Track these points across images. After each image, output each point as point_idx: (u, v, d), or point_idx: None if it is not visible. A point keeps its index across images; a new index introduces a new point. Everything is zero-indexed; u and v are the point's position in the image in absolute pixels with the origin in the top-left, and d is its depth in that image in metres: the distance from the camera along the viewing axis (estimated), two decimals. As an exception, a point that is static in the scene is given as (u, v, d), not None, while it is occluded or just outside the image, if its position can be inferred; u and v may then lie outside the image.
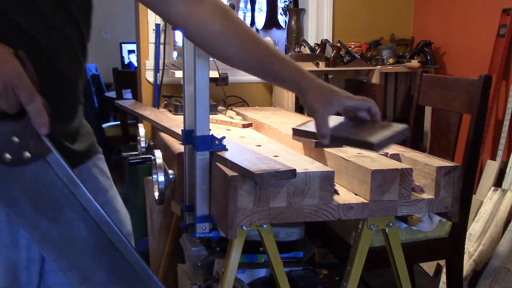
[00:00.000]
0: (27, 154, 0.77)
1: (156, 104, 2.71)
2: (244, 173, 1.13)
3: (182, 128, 1.31)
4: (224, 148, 1.26)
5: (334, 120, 1.09)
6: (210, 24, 1.00)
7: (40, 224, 0.80)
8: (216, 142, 1.26)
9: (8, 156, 0.76)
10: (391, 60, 3.09)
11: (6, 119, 0.75)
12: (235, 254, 1.30)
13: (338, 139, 1.08)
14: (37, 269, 0.92)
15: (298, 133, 1.27)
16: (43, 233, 0.81)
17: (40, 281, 0.95)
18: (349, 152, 1.36)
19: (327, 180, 1.19)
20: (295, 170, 1.13)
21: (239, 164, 1.14)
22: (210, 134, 1.26)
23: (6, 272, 0.89)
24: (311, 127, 1.14)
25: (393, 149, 1.43)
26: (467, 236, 2.29)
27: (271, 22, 3.72)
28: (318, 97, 1.03)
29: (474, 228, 2.45)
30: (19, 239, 0.88)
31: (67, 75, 0.94)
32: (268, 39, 3.34)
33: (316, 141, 1.41)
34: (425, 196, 1.27)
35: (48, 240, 0.81)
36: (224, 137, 1.28)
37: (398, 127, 1.08)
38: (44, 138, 0.77)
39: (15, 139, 0.75)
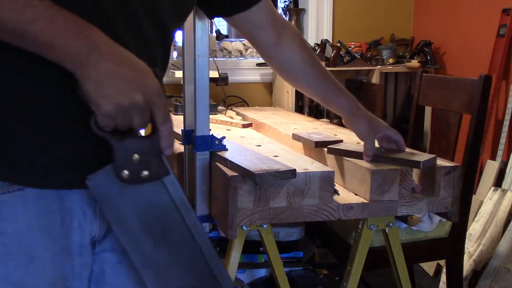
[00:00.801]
0: (146, 173, 0.76)
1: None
2: (244, 173, 1.13)
3: (182, 128, 1.31)
4: (224, 148, 1.26)
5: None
6: (293, 54, 1.22)
7: (144, 246, 0.79)
8: (216, 142, 1.26)
9: (126, 173, 0.75)
10: (391, 60, 3.09)
11: (130, 136, 0.74)
12: (235, 254, 1.30)
13: (384, 158, 1.26)
14: (87, 275, 0.87)
15: (334, 152, 1.38)
16: (145, 255, 0.79)
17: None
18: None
19: (327, 180, 1.19)
20: (295, 170, 1.13)
21: (239, 164, 1.14)
22: (210, 134, 1.26)
23: (56, 280, 0.83)
24: (348, 146, 1.37)
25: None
26: (467, 236, 2.29)
27: (271, 22, 3.72)
28: (367, 124, 1.26)
29: (474, 228, 2.45)
30: (72, 245, 0.84)
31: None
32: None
33: (316, 141, 1.43)
34: (425, 196, 1.27)
35: (148, 264, 0.80)
36: (224, 137, 1.28)
37: (425, 155, 1.28)
38: (165, 159, 0.76)
39: (137, 157, 0.75)
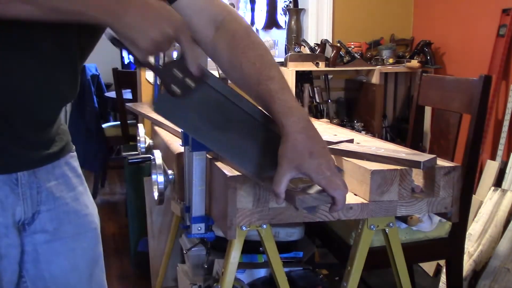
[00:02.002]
0: (190, 81, 0.90)
1: (156, 104, 2.70)
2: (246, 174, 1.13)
3: (181, 130, 1.31)
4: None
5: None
6: (219, 52, 1.07)
7: (216, 136, 0.94)
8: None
9: (178, 89, 0.89)
10: (391, 60, 3.10)
11: (167, 63, 0.89)
12: (235, 254, 1.30)
13: (384, 158, 1.23)
14: (15, 255, 0.97)
15: (334, 152, 1.30)
16: (220, 143, 0.94)
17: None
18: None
19: (326, 180, 1.18)
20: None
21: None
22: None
23: None
24: (348, 146, 1.33)
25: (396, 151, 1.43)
26: (467, 236, 2.29)
27: (271, 22, 3.72)
28: (288, 148, 0.89)
29: (474, 228, 2.45)
30: None
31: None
32: (268, 39, 3.35)
33: None
34: (424, 196, 1.27)
35: (224, 148, 0.95)
36: None
37: (425, 155, 1.26)
38: (201, 66, 0.90)
39: (177, 71, 0.89)
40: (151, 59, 0.87)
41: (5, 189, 0.92)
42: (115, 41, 0.84)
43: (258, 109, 0.97)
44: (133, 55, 0.85)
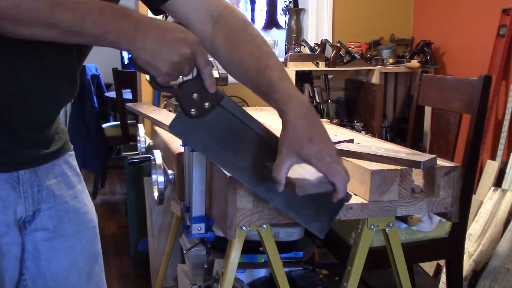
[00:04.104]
0: (207, 104, 0.93)
1: (156, 104, 2.71)
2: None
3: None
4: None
5: None
6: (217, 47, 1.05)
7: (228, 157, 0.97)
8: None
9: (193, 110, 0.93)
10: (391, 60, 3.10)
11: (185, 83, 0.91)
12: (235, 254, 1.30)
13: (384, 158, 1.24)
14: (16, 253, 0.98)
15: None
16: (232, 163, 0.98)
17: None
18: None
19: (326, 180, 1.18)
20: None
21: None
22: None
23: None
24: (348, 146, 1.35)
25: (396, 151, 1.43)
26: (467, 236, 2.29)
27: (271, 22, 3.72)
28: (290, 136, 0.90)
29: (474, 228, 2.45)
30: None
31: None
32: (268, 39, 3.35)
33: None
34: (424, 196, 1.27)
35: (237, 168, 0.99)
36: None
37: (425, 155, 1.27)
38: (216, 88, 0.94)
39: (196, 95, 0.92)
40: (172, 82, 0.88)
41: (7, 187, 0.93)
42: (135, 64, 0.84)
43: (266, 129, 1.00)
44: (153, 79, 0.86)
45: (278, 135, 0.95)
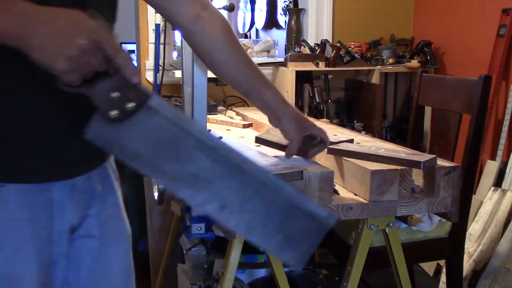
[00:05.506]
0: (130, 105, 0.77)
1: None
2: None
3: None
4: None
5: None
6: (214, 30, 1.07)
7: (164, 167, 0.80)
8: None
9: (113, 113, 0.76)
10: (391, 60, 3.09)
11: (99, 80, 0.75)
12: (235, 254, 1.30)
13: (384, 158, 1.25)
14: (63, 262, 0.93)
15: (334, 152, 1.35)
16: (170, 175, 0.81)
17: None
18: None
19: (326, 180, 1.19)
20: (302, 171, 1.13)
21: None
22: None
23: (41, 269, 0.88)
24: (348, 146, 1.35)
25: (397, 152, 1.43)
26: (467, 236, 2.29)
27: (271, 22, 3.72)
28: (296, 125, 1.18)
29: (474, 228, 2.45)
30: (53, 234, 0.89)
31: None
32: (268, 39, 3.35)
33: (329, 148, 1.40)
34: (424, 196, 1.27)
35: (177, 181, 0.81)
36: (221, 137, 1.28)
37: (425, 155, 1.29)
38: (141, 86, 0.77)
39: (116, 94, 0.76)
40: (76, 79, 0.74)
41: (63, 195, 0.89)
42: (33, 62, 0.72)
43: (207, 133, 0.84)
44: (58, 79, 0.73)
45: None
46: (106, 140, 0.79)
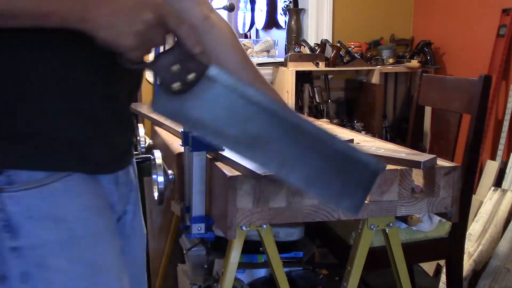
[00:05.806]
0: (191, 76, 0.79)
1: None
2: (245, 173, 1.13)
3: (182, 130, 1.31)
4: (221, 148, 1.26)
5: None
6: (222, 32, 1.10)
7: (226, 133, 0.82)
8: (215, 142, 1.25)
9: (175, 85, 0.78)
10: (391, 60, 3.09)
11: (160, 54, 0.77)
12: (235, 254, 1.30)
13: (384, 158, 1.24)
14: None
15: None
16: (232, 140, 0.83)
17: None
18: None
19: (326, 180, 1.18)
20: None
21: (243, 164, 1.14)
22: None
23: (117, 256, 0.89)
24: None
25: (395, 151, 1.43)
26: (467, 236, 2.29)
27: (271, 22, 3.72)
28: None
29: (474, 228, 2.45)
30: (114, 223, 0.91)
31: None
32: (268, 39, 3.35)
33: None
34: (424, 196, 1.27)
35: (239, 144, 0.84)
36: None
37: (425, 155, 1.27)
38: (200, 57, 0.79)
39: (176, 67, 0.78)
40: (139, 56, 0.77)
41: (112, 187, 0.90)
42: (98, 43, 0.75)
43: (262, 96, 0.85)
44: (122, 57, 0.76)
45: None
46: (172, 112, 0.81)
